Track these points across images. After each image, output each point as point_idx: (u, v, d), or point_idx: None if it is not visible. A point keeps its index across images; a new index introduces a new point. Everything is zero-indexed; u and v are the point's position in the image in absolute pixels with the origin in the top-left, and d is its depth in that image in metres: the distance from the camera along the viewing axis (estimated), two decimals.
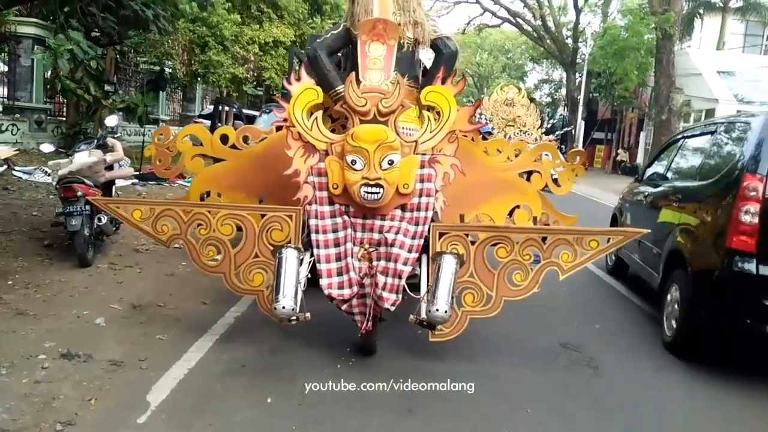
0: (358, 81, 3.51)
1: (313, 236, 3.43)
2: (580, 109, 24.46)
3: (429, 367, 3.52)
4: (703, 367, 3.86)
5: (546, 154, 4.28)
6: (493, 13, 32.84)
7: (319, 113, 3.49)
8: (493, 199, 4.07)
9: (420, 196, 3.48)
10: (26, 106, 12.04)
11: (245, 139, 4.00)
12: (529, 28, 32.36)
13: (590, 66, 25.96)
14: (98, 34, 6.40)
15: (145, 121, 11.00)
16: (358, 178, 3.30)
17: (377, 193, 3.30)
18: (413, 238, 3.44)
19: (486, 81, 49.69)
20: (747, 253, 3.55)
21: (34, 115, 12.20)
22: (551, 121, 28.38)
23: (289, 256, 3.13)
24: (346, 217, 3.47)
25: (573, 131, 25.96)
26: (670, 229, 4.45)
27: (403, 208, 3.48)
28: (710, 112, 22.67)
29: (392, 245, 3.40)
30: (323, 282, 3.39)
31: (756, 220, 3.53)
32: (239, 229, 3.45)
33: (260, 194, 3.93)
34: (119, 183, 7.93)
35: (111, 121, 5.69)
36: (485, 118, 26.42)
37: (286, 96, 3.59)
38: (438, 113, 3.46)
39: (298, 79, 3.49)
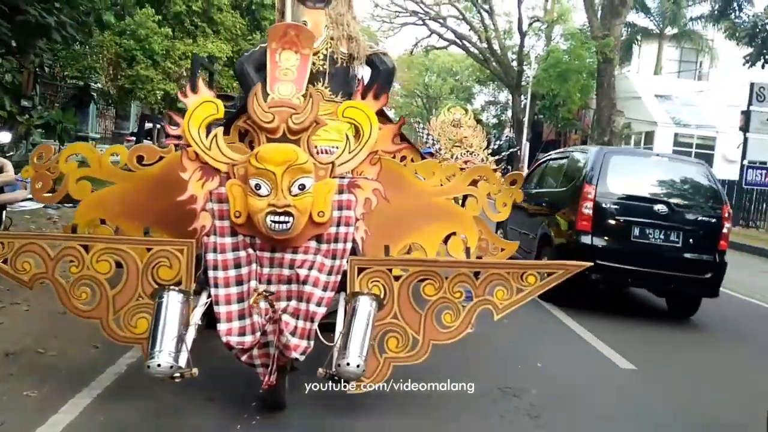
0: (265, 93, 3.06)
1: (211, 273, 2.92)
2: (525, 130, 24.65)
3: (349, 425, 3.05)
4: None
5: (482, 177, 3.92)
6: (440, 35, 33.11)
7: (219, 130, 3.01)
8: (425, 227, 3.64)
9: (338, 225, 3.03)
10: None
11: (139, 159, 3.47)
12: (476, 51, 32.71)
13: (534, 88, 26.31)
14: None
15: (66, 139, 10.23)
16: (263, 206, 2.83)
17: (286, 222, 2.83)
18: (329, 273, 2.98)
19: (435, 102, 50.00)
20: (586, 232, 5.93)
21: None
22: (497, 143, 28.51)
23: (171, 300, 2.63)
24: (251, 251, 2.99)
25: (519, 152, 26.13)
26: (541, 221, 6.92)
27: (318, 239, 3.02)
28: (650, 135, 23.22)
29: (305, 282, 2.93)
30: (221, 327, 2.88)
31: (591, 212, 5.92)
32: (119, 265, 2.92)
33: (155, 223, 3.41)
34: (25, 206, 7.21)
35: (4, 137, 5.05)
36: (432, 139, 26.50)
37: (183, 110, 3.09)
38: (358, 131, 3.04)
39: (195, 91, 3.00)
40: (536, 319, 5.50)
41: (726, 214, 6.12)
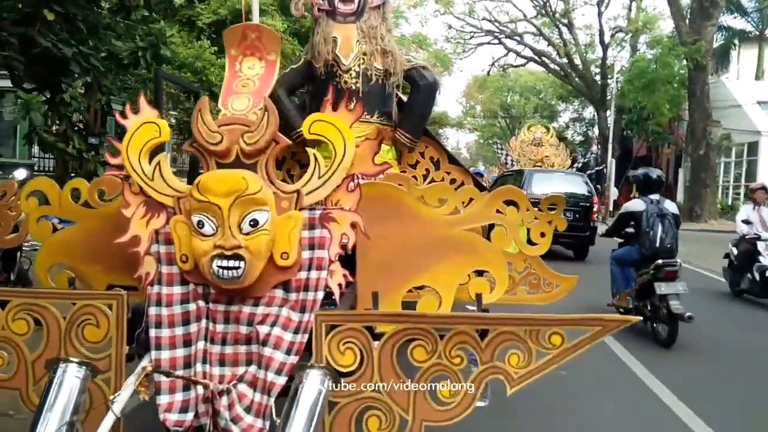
0: (215, 110, 2.52)
1: (153, 332, 2.37)
2: (610, 146, 23.13)
3: None
4: None
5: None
6: (518, 53, 32.19)
7: (163, 156, 2.48)
8: (437, 265, 2.93)
9: (309, 269, 2.41)
10: (8, 162, 11.52)
11: (101, 195, 3.02)
12: (556, 67, 31.46)
13: (618, 101, 24.72)
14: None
15: None
16: (208, 247, 2.26)
17: (236, 268, 2.24)
18: (296, 332, 2.35)
19: (518, 122, 48.73)
20: None
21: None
22: (582, 160, 27.03)
23: (67, 377, 2.09)
24: (201, 303, 2.42)
25: (605, 170, 24.59)
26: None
27: (285, 287, 2.41)
28: (753, 146, 21.10)
29: (264, 343, 2.32)
30: (161, 400, 2.31)
31: None
32: (38, 324, 2.43)
33: (121, 268, 2.92)
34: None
35: (19, 174, 4.83)
36: (511, 160, 25.40)
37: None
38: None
39: (137, 111, 2.50)
40: (599, 367, 4.62)
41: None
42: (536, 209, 3.26)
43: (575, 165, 25.73)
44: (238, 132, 2.36)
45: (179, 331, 2.40)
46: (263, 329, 2.33)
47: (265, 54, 2.61)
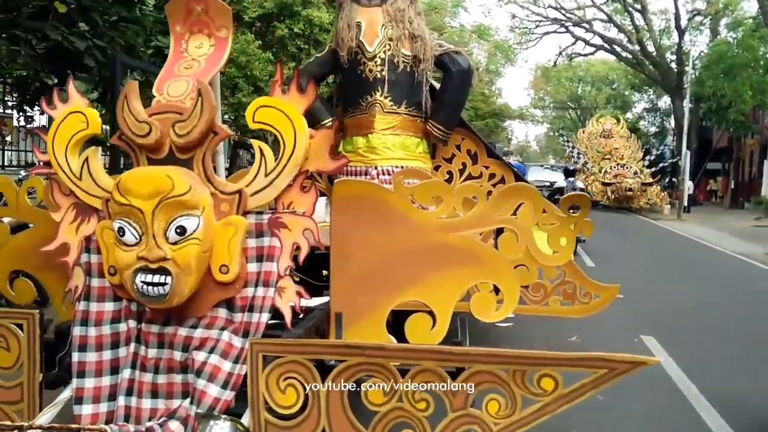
0: (147, 98, 2.15)
1: (75, 356, 2.03)
2: (685, 137, 21.61)
3: None
4: None
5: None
6: (586, 41, 30.74)
7: (92, 150, 2.14)
8: (429, 276, 2.45)
9: (256, 285, 2.01)
10: None
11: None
12: (628, 55, 29.83)
13: (696, 89, 23.03)
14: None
15: None
16: (130, 259, 1.90)
17: (162, 284, 1.87)
18: (236, 361, 1.95)
19: (589, 114, 46.94)
20: None
21: None
22: (655, 152, 25.46)
23: None
24: (132, 323, 2.06)
25: (680, 162, 23.05)
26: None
27: (230, 305, 2.02)
28: None
29: (199, 373, 1.93)
30: None
31: None
32: None
33: None
34: None
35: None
36: (577, 152, 24.21)
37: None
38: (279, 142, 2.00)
39: (66, 100, 2.17)
40: (652, 403, 4.00)
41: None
42: (555, 211, 2.73)
43: (648, 157, 24.29)
44: (170, 122, 1.99)
45: (106, 356, 2.05)
46: (199, 356, 1.95)
47: (214, 30, 2.22)
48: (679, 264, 10.31)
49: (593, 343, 4.99)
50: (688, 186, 21.73)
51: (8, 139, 10.93)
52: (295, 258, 2.00)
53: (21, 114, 9.54)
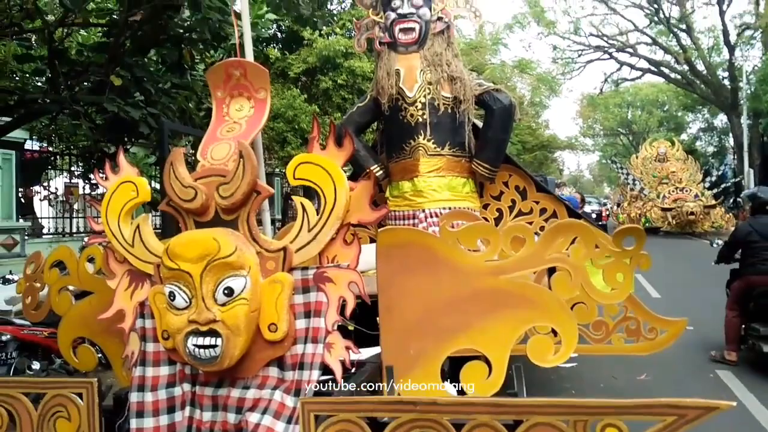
0: (194, 161, 2.21)
1: (133, 423, 2.05)
2: (746, 156, 20.76)
3: None
4: None
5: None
6: (632, 66, 30.25)
7: (143, 218, 2.21)
8: (482, 322, 2.40)
9: (305, 341, 2.01)
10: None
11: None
12: (677, 76, 29.18)
13: (752, 104, 22.22)
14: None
15: None
16: (181, 323, 1.93)
17: (213, 347, 1.89)
18: (289, 421, 1.93)
19: (642, 138, 45.99)
20: None
21: None
22: (716, 173, 24.53)
23: None
24: (187, 387, 2.08)
25: (744, 182, 22.10)
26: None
27: (281, 364, 2.02)
28: None
29: None
30: None
31: None
32: (12, 419, 2.19)
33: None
34: None
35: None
36: (633, 179, 23.56)
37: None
38: (319, 198, 2.02)
39: (117, 171, 2.26)
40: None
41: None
42: (609, 245, 2.63)
43: (708, 179, 23.41)
44: (214, 185, 2.04)
45: (164, 420, 2.07)
46: (253, 418, 1.94)
47: (253, 92, 2.29)
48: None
49: (664, 380, 4.74)
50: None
51: (75, 206, 11.51)
52: (343, 310, 1.98)
53: (86, 182, 10.05)
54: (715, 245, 6.97)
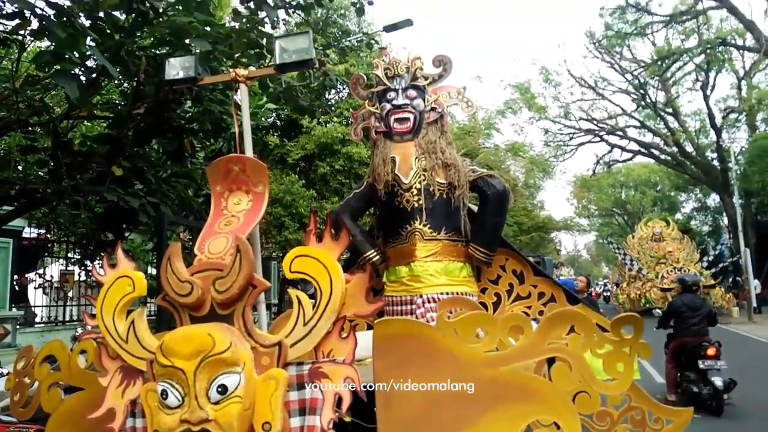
0: (191, 248, 2.22)
1: None
2: (741, 235, 20.91)
3: None
4: None
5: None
6: (622, 148, 31.01)
7: (138, 313, 2.19)
8: (480, 416, 2.35)
9: None
10: None
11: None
12: (667, 157, 29.85)
13: (742, 184, 22.63)
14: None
15: None
16: (173, 423, 1.88)
17: None
18: None
19: (637, 218, 46.46)
20: None
21: None
22: (713, 252, 24.59)
23: None
24: None
25: (741, 261, 22.14)
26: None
27: None
28: None
29: None
30: None
31: None
32: None
33: None
34: None
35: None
36: (630, 259, 23.56)
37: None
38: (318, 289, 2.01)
39: (114, 265, 2.27)
40: None
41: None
42: (608, 334, 2.60)
43: (705, 258, 23.44)
44: (210, 279, 2.04)
45: None
46: None
47: (251, 186, 2.33)
48: (759, 372, 9.56)
49: None
50: (754, 285, 20.68)
51: (70, 294, 11.43)
52: (339, 405, 1.94)
53: (82, 269, 10.02)
54: (655, 314, 9.58)
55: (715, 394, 6.81)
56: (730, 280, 25.34)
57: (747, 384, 8.39)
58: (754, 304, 19.67)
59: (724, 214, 29.42)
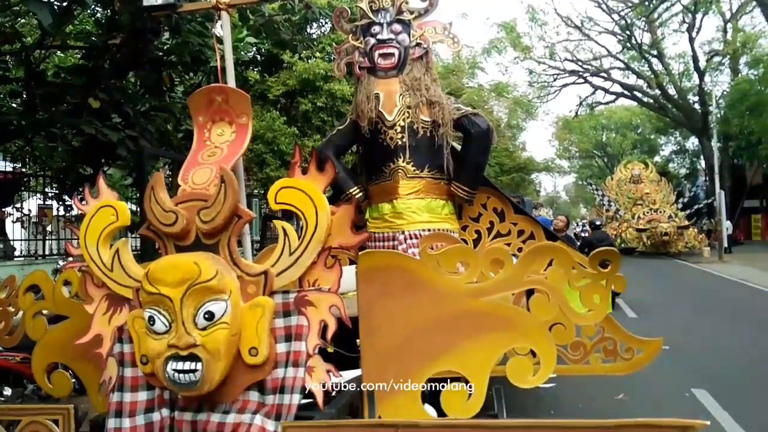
0: (175, 186, 2.21)
1: None
2: (717, 177, 21.24)
3: None
4: None
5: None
6: (606, 90, 30.97)
7: (122, 242, 2.20)
8: (459, 344, 2.41)
9: (286, 365, 2.00)
10: None
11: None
12: (649, 100, 29.88)
13: (722, 127, 22.82)
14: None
15: None
16: (161, 348, 1.92)
17: (193, 371, 1.88)
18: None
19: (616, 160, 46.83)
20: None
21: None
22: (689, 194, 25.05)
23: None
24: (165, 412, 2.06)
25: (715, 203, 22.59)
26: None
27: (261, 388, 2.01)
28: None
29: None
30: None
31: None
32: None
33: None
34: None
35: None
36: (608, 200, 23.91)
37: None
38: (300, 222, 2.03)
39: (96, 195, 2.26)
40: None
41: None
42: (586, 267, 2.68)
43: (681, 200, 23.88)
44: (195, 209, 2.04)
45: None
46: None
47: (234, 117, 2.31)
48: (725, 309, 9.94)
49: (642, 400, 4.78)
50: (727, 226, 21.18)
51: (48, 228, 11.33)
52: (324, 333, 1.99)
53: (60, 204, 9.91)
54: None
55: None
56: (704, 221, 25.94)
57: (717, 319, 8.75)
58: (725, 244, 20.20)
59: (702, 157, 29.80)
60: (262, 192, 12.35)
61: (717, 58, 27.18)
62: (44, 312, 3.03)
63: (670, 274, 16.08)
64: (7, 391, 4.12)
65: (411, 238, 4.55)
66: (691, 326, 8.25)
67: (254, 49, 11.22)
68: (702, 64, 26.83)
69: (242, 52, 8.00)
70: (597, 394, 4.92)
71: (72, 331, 2.78)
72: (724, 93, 26.45)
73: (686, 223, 21.22)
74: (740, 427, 4.22)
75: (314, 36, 12.94)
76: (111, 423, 2.05)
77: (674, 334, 6.89)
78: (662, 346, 3.53)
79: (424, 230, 4.47)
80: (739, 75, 25.64)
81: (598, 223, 12.88)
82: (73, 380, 2.84)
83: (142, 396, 2.09)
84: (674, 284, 13.55)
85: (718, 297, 11.45)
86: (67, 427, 2.03)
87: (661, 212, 21.70)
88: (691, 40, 26.25)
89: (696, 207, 23.57)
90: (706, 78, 27.04)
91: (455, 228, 4.74)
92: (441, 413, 2.28)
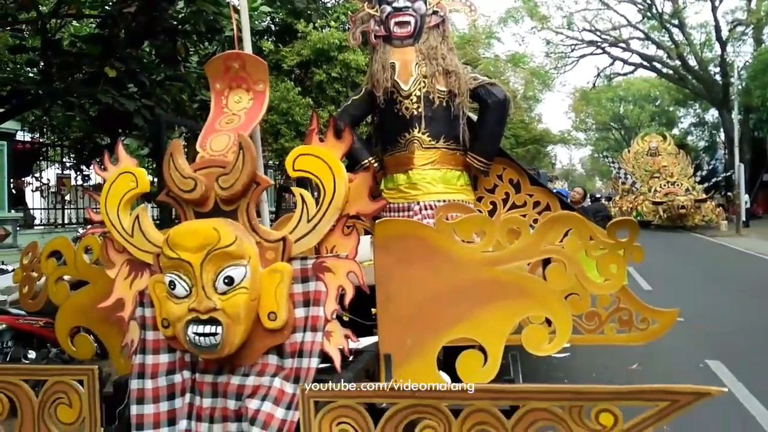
0: (193, 152, 2.22)
1: (133, 409, 2.08)
2: (737, 150, 20.90)
3: None
4: None
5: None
6: (624, 61, 30.43)
7: (142, 208, 2.22)
8: (475, 312, 2.43)
9: (304, 330, 2.03)
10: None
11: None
12: (669, 71, 29.32)
13: (743, 99, 22.36)
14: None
15: None
16: (182, 312, 1.95)
17: (213, 335, 1.91)
18: (289, 407, 1.97)
19: (634, 133, 46.19)
20: None
21: None
22: (708, 167, 24.70)
23: None
24: (187, 374, 2.11)
25: (734, 176, 22.28)
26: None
27: (280, 352, 2.05)
28: None
29: (253, 422, 1.95)
30: None
31: None
32: (13, 406, 2.21)
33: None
34: None
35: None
36: (624, 173, 23.66)
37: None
38: (318, 189, 2.04)
39: (116, 162, 2.27)
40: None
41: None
42: (603, 237, 2.67)
43: (699, 173, 23.57)
44: (214, 176, 2.06)
45: (164, 407, 2.09)
46: (252, 404, 1.97)
47: (252, 84, 2.31)
48: (741, 282, 9.89)
49: (656, 370, 4.80)
50: (745, 200, 20.92)
51: (67, 198, 11.46)
52: (342, 299, 2.01)
53: (78, 173, 10.01)
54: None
55: None
56: (722, 194, 25.63)
57: (732, 291, 8.71)
58: (743, 218, 19.98)
59: (722, 129, 29.30)
60: (277, 163, 12.36)
61: (740, 28, 26.53)
62: (66, 278, 3.08)
63: (686, 247, 15.98)
64: (32, 355, 4.22)
65: (426, 209, 4.55)
66: (706, 298, 8.22)
67: (268, 18, 11.13)
68: (724, 34, 26.23)
69: (256, 21, 7.93)
70: (611, 363, 4.95)
71: (94, 296, 2.84)
72: (747, 64, 25.87)
73: (704, 196, 20.99)
74: (754, 398, 4.23)
75: (329, 4, 12.79)
76: (134, 384, 2.10)
77: (689, 306, 6.85)
78: (677, 317, 3.53)
79: (439, 201, 4.46)
80: (763, 45, 25.02)
81: (597, 196, 13.60)
82: (95, 344, 2.91)
83: (164, 358, 2.13)
84: (690, 257, 13.48)
85: (735, 270, 11.38)
86: (92, 387, 2.08)
87: (678, 185, 21.47)
88: (714, 9, 25.64)
89: (714, 180, 23.28)
90: (728, 48, 26.49)
91: (471, 199, 4.73)
92: (455, 380, 2.31)
